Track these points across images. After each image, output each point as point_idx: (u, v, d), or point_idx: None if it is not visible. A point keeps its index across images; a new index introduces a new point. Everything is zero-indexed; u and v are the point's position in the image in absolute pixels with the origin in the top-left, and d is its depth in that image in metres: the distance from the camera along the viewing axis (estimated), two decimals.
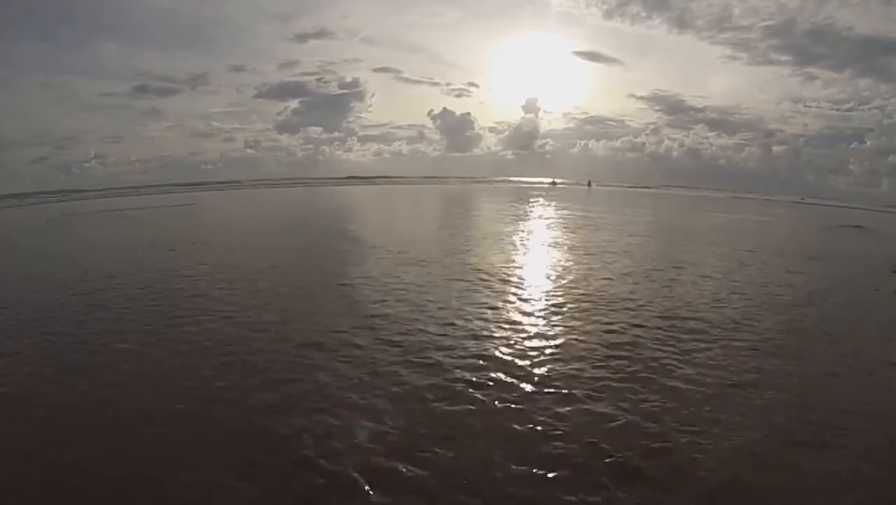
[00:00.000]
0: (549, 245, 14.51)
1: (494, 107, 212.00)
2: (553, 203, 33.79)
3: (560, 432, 4.00)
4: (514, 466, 3.60)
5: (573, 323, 6.78)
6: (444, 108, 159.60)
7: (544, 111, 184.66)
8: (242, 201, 38.97)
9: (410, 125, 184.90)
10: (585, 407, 4.43)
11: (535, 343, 6.01)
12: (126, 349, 5.92)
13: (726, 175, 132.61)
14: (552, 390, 4.75)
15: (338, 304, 7.79)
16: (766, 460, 3.70)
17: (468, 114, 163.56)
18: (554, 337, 6.22)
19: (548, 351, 5.73)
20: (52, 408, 4.48)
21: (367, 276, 9.64)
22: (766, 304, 8.21)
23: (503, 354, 5.64)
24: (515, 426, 4.10)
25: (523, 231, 18.01)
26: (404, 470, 3.54)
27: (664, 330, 6.57)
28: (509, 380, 4.95)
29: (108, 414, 4.38)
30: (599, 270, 10.44)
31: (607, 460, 3.64)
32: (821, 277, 10.82)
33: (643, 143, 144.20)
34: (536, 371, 5.19)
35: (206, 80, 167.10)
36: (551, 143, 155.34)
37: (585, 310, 7.41)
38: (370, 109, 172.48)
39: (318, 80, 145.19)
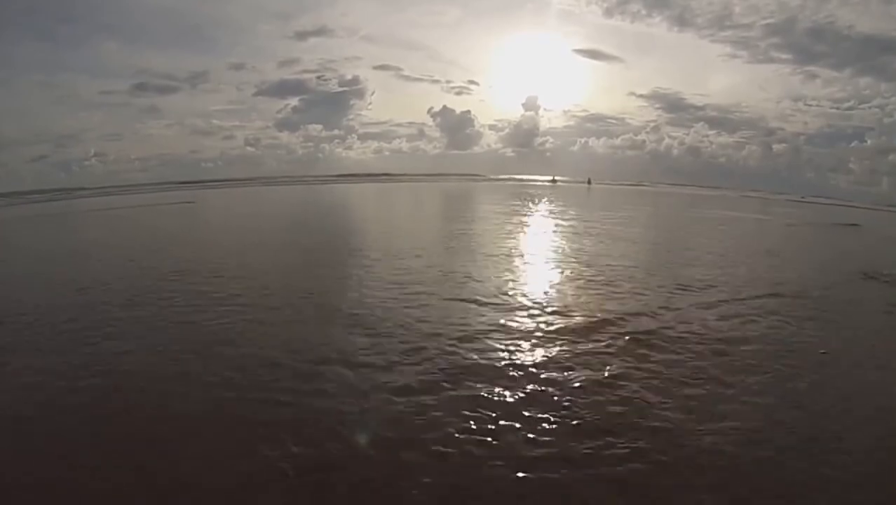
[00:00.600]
0: (555, 263, 11.40)
1: (495, 105, 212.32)
2: (553, 203, 33.75)
3: None
4: None
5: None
6: (445, 106, 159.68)
7: (544, 109, 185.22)
8: (237, 201, 38.98)
9: (410, 123, 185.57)
10: None
11: None
12: None
13: (726, 173, 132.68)
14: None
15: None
16: None
17: (468, 111, 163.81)
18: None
19: None
20: None
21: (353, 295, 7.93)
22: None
23: None
24: None
25: (528, 246, 14.44)
26: None
27: None
28: None
29: None
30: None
31: None
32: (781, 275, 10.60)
33: (643, 141, 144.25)
34: None
35: (206, 77, 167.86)
36: (551, 140, 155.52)
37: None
38: (370, 107, 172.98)
39: (318, 77, 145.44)
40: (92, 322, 6.79)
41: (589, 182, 79.09)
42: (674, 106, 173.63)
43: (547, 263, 11.12)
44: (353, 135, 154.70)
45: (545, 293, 8.21)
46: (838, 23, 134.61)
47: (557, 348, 5.70)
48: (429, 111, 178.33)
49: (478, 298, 7.73)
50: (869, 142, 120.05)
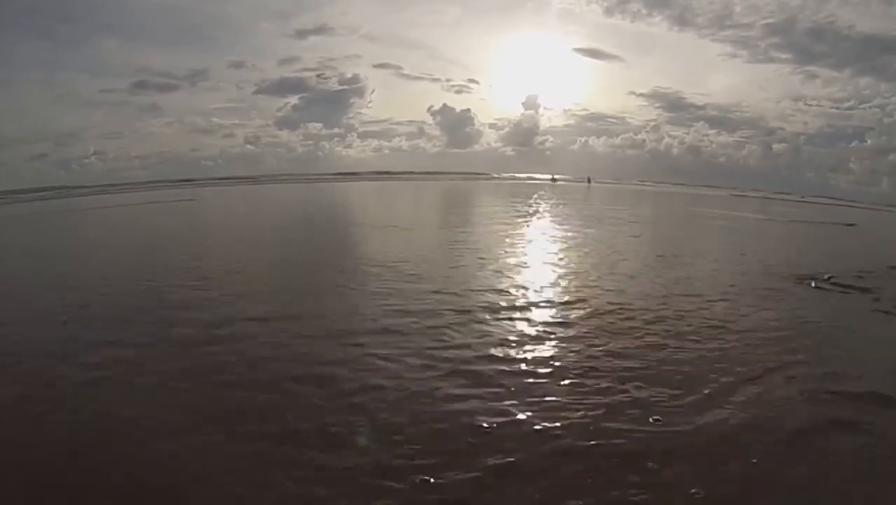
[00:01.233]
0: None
1: (494, 103, 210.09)
2: (554, 204, 33.70)
3: None
4: None
5: None
6: (444, 105, 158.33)
7: (544, 108, 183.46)
8: (238, 200, 39.03)
9: (410, 121, 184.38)
10: None
11: None
12: None
13: (726, 173, 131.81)
14: None
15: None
16: None
17: (468, 110, 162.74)
18: None
19: None
20: None
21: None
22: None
23: None
24: None
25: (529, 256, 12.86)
26: None
27: None
28: None
29: None
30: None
31: None
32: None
33: (643, 141, 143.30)
34: None
35: (206, 76, 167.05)
36: (551, 139, 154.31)
37: None
38: (370, 106, 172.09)
39: (318, 76, 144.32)
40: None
41: (589, 181, 79.01)
42: (674, 105, 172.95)
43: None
44: (353, 133, 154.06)
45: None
46: (838, 23, 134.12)
47: None
48: (429, 110, 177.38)
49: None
50: (869, 142, 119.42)
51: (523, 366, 5.09)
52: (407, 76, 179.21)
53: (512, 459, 3.49)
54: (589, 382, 4.71)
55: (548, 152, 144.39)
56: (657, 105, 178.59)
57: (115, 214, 26.80)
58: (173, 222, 22.18)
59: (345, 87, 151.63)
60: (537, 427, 3.91)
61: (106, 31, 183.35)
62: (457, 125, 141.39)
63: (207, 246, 13.92)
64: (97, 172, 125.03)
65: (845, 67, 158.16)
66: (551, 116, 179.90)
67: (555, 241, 14.54)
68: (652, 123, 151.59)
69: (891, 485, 3.40)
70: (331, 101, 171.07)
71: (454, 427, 3.88)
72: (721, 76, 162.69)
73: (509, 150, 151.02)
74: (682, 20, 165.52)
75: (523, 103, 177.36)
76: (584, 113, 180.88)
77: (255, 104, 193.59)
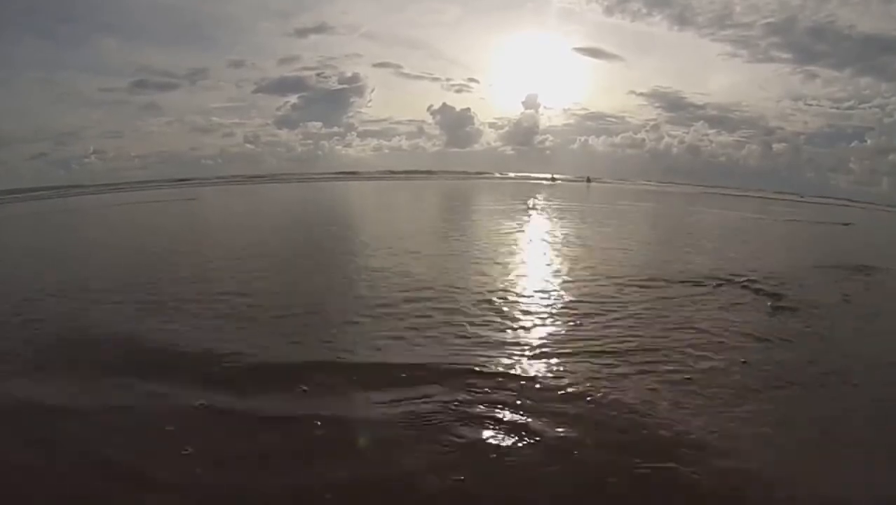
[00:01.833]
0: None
1: (494, 103, 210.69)
2: (553, 205, 33.61)
3: None
4: None
5: None
6: (444, 104, 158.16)
7: (544, 107, 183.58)
8: (239, 200, 38.95)
9: (410, 121, 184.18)
10: None
11: None
12: None
13: (726, 172, 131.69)
14: None
15: None
16: None
17: (468, 109, 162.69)
18: None
19: None
20: None
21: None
22: None
23: None
24: None
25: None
26: None
27: None
28: None
29: None
30: None
31: None
32: None
33: (643, 140, 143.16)
34: None
35: (206, 75, 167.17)
36: (551, 139, 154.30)
37: None
38: (370, 105, 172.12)
39: (318, 75, 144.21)
40: None
41: (588, 180, 78.92)
42: (674, 105, 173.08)
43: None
44: (353, 132, 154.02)
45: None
46: (839, 22, 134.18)
47: None
48: (428, 109, 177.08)
49: None
50: (869, 142, 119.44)
51: None
52: (407, 75, 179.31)
53: None
54: None
55: (547, 152, 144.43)
56: (657, 104, 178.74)
57: (117, 214, 26.74)
58: (173, 227, 22.11)
59: (344, 86, 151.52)
60: None
61: (106, 31, 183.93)
62: (457, 124, 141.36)
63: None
64: (97, 172, 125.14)
65: (845, 67, 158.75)
66: (551, 116, 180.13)
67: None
68: (652, 123, 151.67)
69: None
70: (330, 100, 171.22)
71: None
72: (721, 76, 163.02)
73: (509, 150, 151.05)
74: (682, 20, 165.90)
75: (523, 102, 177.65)
76: (583, 112, 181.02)
77: (254, 103, 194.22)
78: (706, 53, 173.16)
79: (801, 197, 71.00)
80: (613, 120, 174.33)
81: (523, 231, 17.44)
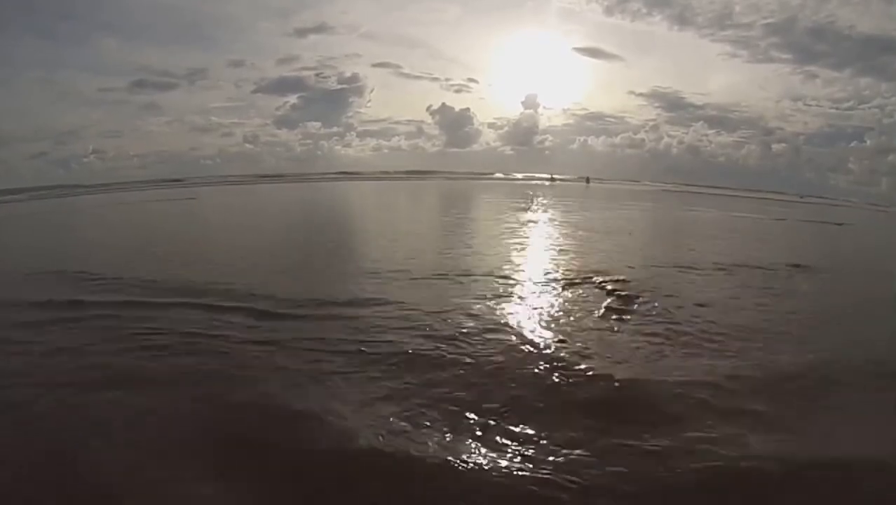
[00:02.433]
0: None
1: (494, 103, 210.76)
2: (553, 208, 33.61)
3: None
4: None
5: None
6: (444, 104, 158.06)
7: (544, 107, 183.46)
8: (212, 206, 38.87)
9: (410, 121, 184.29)
10: None
11: None
12: None
13: (726, 173, 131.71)
14: None
15: None
16: None
17: (467, 109, 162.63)
18: None
19: None
20: None
21: None
22: None
23: None
24: None
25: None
26: None
27: None
28: None
29: None
30: None
31: None
32: None
33: (642, 140, 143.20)
34: None
35: (205, 74, 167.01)
36: (550, 139, 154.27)
37: None
38: (369, 105, 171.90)
39: (318, 75, 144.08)
40: None
41: (587, 181, 79.07)
42: (673, 105, 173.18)
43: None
44: (352, 132, 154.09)
45: None
46: (839, 23, 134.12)
47: None
48: (428, 109, 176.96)
49: None
50: (868, 142, 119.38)
51: None
52: (406, 75, 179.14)
53: None
54: None
55: (547, 152, 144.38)
56: (656, 105, 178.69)
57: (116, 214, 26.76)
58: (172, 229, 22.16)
59: (344, 86, 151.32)
60: None
61: (106, 30, 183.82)
62: (456, 124, 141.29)
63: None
64: (96, 171, 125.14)
65: (845, 67, 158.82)
66: (550, 116, 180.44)
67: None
68: (651, 123, 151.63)
69: None
70: (330, 100, 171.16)
71: None
72: (721, 76, 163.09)
73: (508, 150, 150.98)
74: (682, 20, 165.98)
75: (523, 102, 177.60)
76: (583, 112, 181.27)
77: (254, 103, 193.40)
78: (706, 53, 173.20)
79: (801, 197, 71.08)
80: (613, 120, 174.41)
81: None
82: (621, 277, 9.49)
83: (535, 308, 7.75)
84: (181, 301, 7.83)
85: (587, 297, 8.40)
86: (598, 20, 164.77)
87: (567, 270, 10.38)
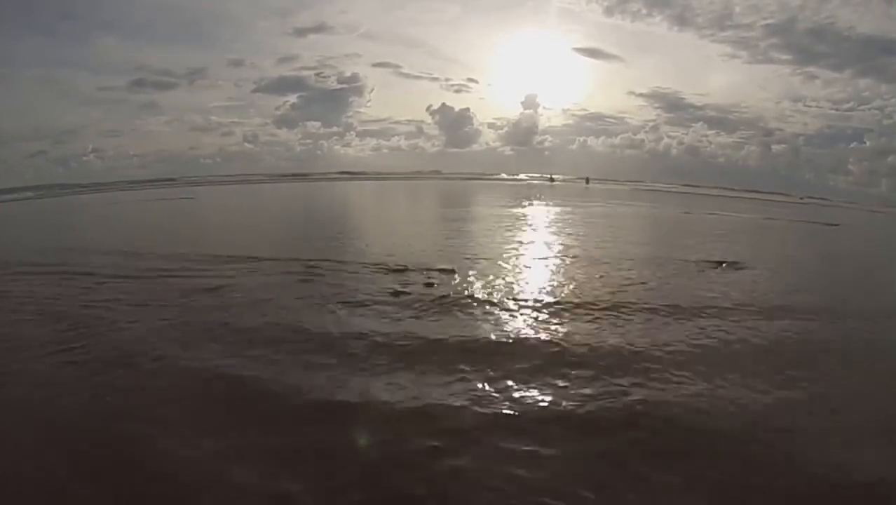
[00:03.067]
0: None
1: (494, 103, 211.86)
2: (552, 210, 33.50)
3: None
4: None
5: None
6: (444, 104, 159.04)
7: (543, 107, 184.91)
8: (205, 206, 38.76)
9: (409, 120, 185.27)
10: None
11: None
12: None
13: (725, 173, 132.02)
14: None
15: None
16: None
17: (467, 109, 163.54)
18: None
19: None
20: None
21: None
22: None
23: None
24: None
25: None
26: None
27: None
28: None
29: None
30: None
31: None
32: None
33: (642, 141, 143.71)
34: None
35: (205, 74, 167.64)
36: (550, 139, 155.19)
37: None
38: (369, 104, 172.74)
39: (317, 74, 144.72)
40: None
41: (587, 181, 78.88)
42: (673, 105, 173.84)
43: None
44: (352, 132, 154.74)
45: None
46: (839, 23, 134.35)
47: None
48: (428, 109, 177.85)
49: None
50: (868, 143, 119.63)
51: None
52: (406, 75, 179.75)
53: None
54: None
55: (546, 152, 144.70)
56: (656, 105, 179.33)
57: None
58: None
59: (344, 85, 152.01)
60: None
61: (105, 29, 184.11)
62: (456, 124, 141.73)
63: None
64: (96, 170, 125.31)
65: (845, 68, 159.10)
66: (550, 116, 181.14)
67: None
68: (651, 123, 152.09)
69: None
70: (330, 99, 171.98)
71: None
72: (720, 76, 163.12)
73: (508, 150, 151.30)
74: (682, 20, 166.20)
75: (522, 103, 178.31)
76: (583, 113, 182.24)
77: (253, 102, 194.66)
78: (706, 54, 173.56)
79: (801, 198, 70.88)
80: (613, 120, 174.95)
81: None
82: (449, 268, 10.22)
83: None
84: None
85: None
86: (598, 20, 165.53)
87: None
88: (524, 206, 29.36)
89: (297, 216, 26.25)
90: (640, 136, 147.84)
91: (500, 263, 11.20)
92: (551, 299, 8.15)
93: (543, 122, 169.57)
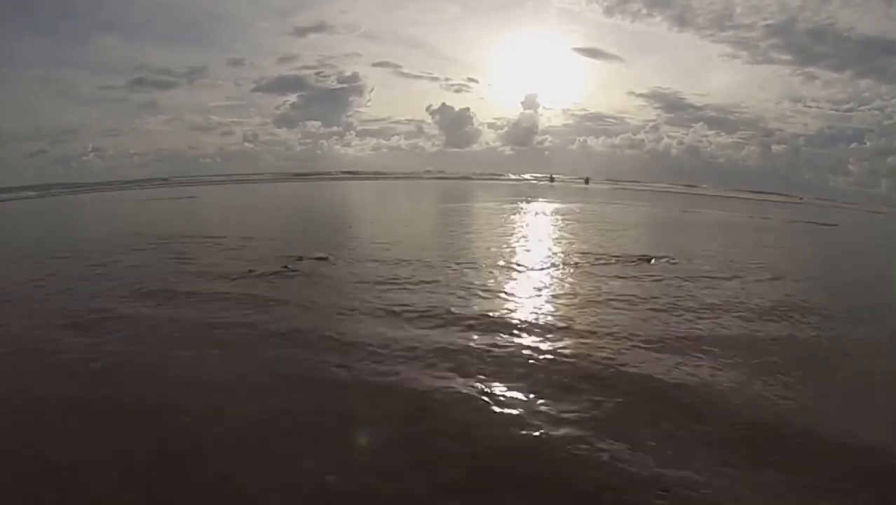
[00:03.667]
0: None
1: (493, 103, 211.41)
2: (553, 210, 33.54)
3: None
4: None
5: None
6: (444, 104, 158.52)
7: (543, 107, 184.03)
8: (199, 205, 38.73)
9: (409, 120, 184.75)
10: None
11: None
12: None
13: (725, 173, 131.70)
14: None
15: None
16: None
17: (467, 109, 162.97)
18: None
19: None
20: None
21: None
22: None
23: None
24: None
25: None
26: None
27: None
28: None
29: None
30: None
31: None
32: None
33: (642, 141, 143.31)
34: None
35: (205, 73, 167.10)
36: (550, 139, 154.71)
37: None
38: (369, 104, 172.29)
39: (317, 74, 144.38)
40: None
41: (587, 181, 78.85)
42: (673, 106, 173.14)
43: None
44: (352, 132, 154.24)
45: None
46: (839, 24, 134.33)
47: None
48: (427, 109, 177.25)
49: None
50: (868, 144, 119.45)
51: None
52: (406, 75, 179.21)
53: None
54: None
55: (546, 152, 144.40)
56: (656, 105, 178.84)
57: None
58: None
59: (344, 85, 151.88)
60: None
61: (105, 28, 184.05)
62: (456, 124, 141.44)
63: None
64: (96, 170, 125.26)
65: (845, 69, 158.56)
66: (550, 116, 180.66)
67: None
68: (651, 124, 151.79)
69: None
70: (330, 99, 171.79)
71: None
72: (721, 77, 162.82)
73: (508, 150, 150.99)
74: (682, 20, 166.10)
75: (522, 103, 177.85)
76: (583, 113, 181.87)
77: (253, 102, 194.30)
78: (706, 54, 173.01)
79: (801, 199, 70.85)
80: (613, 120, 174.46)
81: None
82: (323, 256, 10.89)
83: None
84: None
85: None
86: (598, 20, 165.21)
87: None
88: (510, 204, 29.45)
89: (294, 215, 26.28)
90: (640, 136, 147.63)
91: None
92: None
93: (543, 122, 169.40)
